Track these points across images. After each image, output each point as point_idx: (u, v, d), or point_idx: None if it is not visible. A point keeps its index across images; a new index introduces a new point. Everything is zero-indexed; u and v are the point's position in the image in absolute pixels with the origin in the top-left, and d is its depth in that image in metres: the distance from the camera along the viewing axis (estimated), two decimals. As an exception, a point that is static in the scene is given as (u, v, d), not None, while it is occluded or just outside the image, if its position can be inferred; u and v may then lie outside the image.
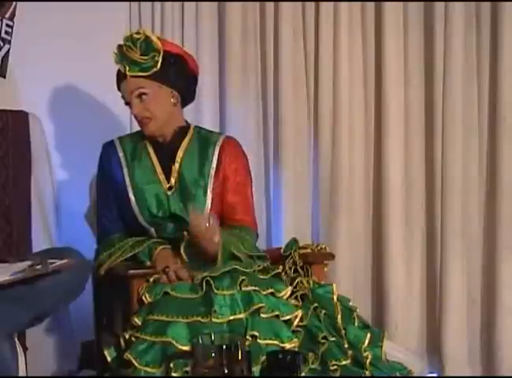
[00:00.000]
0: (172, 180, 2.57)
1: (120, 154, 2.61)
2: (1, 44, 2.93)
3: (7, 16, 2.94)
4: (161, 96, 2.53)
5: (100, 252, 2.54)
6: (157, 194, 2.55)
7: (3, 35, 2.93)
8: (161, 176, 2.58)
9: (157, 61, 2.48)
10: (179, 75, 2.55)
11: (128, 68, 2.49)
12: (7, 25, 2.94)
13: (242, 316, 2.25)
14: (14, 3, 2.95)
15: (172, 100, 2.56)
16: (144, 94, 2.50)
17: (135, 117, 2.57)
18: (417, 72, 3.36)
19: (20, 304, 2.20)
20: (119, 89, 2.56)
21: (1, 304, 2.18)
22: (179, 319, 2.21)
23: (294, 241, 2.57)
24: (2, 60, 2.94)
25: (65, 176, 3.09)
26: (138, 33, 2.50)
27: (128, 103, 2.55)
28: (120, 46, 2.50)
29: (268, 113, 3.36)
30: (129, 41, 2.48)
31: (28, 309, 2.22)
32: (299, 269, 2.48)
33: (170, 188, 2.56)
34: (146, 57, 2.48)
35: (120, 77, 2.53)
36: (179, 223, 2.54)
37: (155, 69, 2.49)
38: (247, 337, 2.18)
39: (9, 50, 2.95)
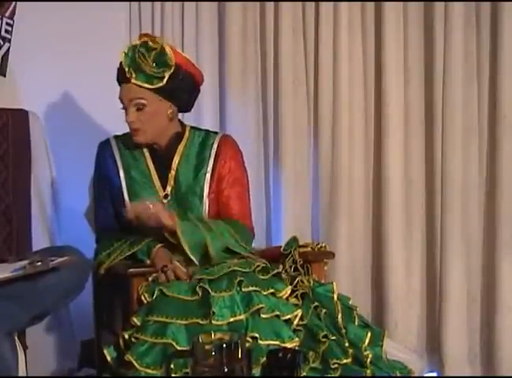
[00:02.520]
0: (168, 188, 2.55)
1: (116, 153, 2.58)
2: (1, 43, 2.93)
3: (7, 14, 2.94)
4: (159, 110, 2.49)
5: (99, 251, 2.53)
6: None
7: (3, 33, 2.93)
8: (157, 183, 2.56)
9: (164, 77, 2.44)
10: (184, 91, 2.51)
11: (133, 75, 2.44)
12: (7, 24, 2.93)
13: (242, 317, 2.24)
14: (14, 2, 2.95)
15: (168, 113, 2.51)
16: (143, 105, 2.46)
17: (128, 124, 2.52)
18: (417, 72, 3.35)
19: (20, 303, 2.19)
20: (119, 83, 2.51)
21: (1, 303, 2.17)
22: (179, 321, 2.19)
23: (294, 239, 2.56)
24: (2, 58, 2.94)
25: (65, 175, 3.08)
26: (155, 42, 2.43)
27: (123, 107, 2.50)
28: (132, 48, 2.44)
29: (268, 113, 3.36)
30: (143, 48, 2.43)
31: (28, 308, 2.22)
32: (299, 268, 2.48)
33: (166, 196, 2.55)
34: (156, 71, 2.43)
35: (122, 77, 2.48)
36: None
37: (161, 84, 2.44)
38: (248, 338, 2.17)
39: (9, 48, 2.95)
